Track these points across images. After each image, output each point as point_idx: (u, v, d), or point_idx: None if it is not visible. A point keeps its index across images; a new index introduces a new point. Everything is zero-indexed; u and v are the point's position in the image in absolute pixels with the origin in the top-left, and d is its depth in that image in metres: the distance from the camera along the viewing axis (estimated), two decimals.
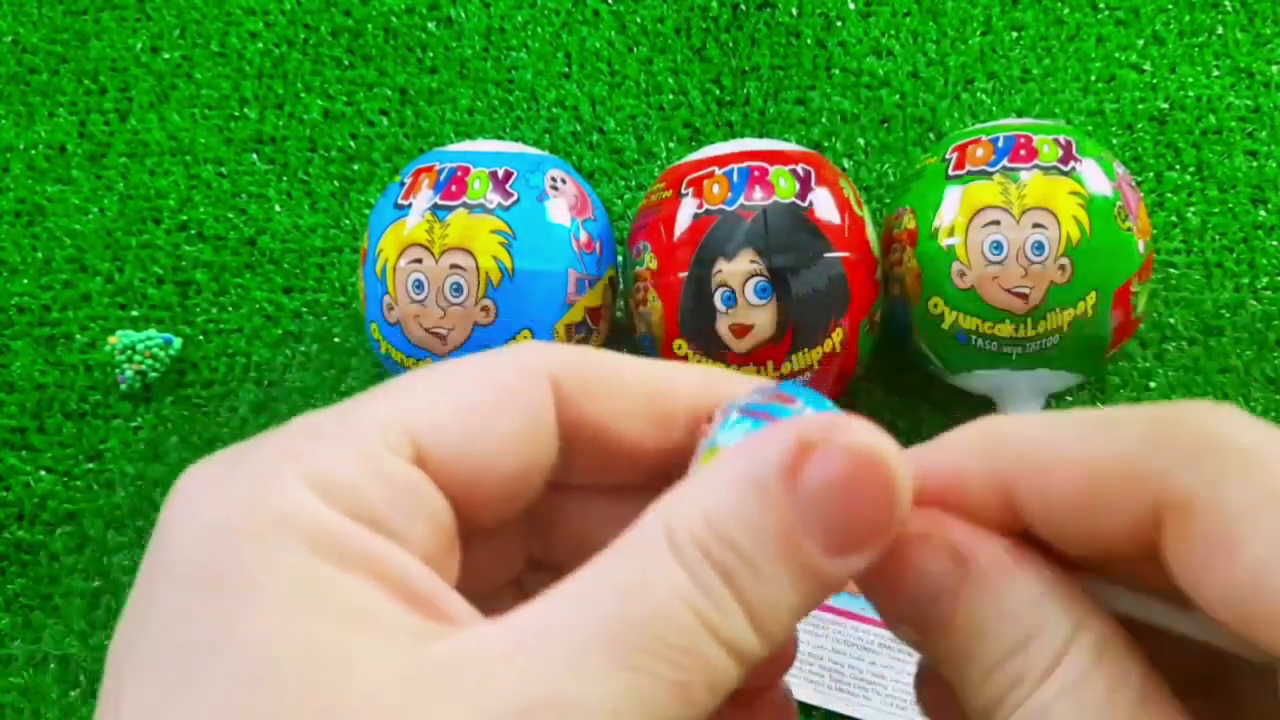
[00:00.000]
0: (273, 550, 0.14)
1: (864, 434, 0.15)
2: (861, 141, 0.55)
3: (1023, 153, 0.43)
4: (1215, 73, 0.55)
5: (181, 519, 0.15)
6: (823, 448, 0.15)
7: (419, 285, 0.42)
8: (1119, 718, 0.14)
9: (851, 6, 0.57)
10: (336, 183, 0.55)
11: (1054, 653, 0.15)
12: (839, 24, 0.57)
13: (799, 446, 0.15)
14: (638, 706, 0.13)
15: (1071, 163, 0.42)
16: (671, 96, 0.56)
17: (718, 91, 0.56)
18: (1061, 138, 0.43)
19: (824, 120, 0.55)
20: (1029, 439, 0.16)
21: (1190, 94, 0.55)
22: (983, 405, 0.47)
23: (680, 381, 0.18)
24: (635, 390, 0.18)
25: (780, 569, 0.15)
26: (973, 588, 0.15)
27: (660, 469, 0.18)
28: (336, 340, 0.52)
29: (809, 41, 0.56)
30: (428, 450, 0.16)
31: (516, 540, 0.20)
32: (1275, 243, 0.52)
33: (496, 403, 0.17)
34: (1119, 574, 0.16)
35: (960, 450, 0.16)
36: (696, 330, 0.42)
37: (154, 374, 0.51)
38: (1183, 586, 0.14)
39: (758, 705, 0.20)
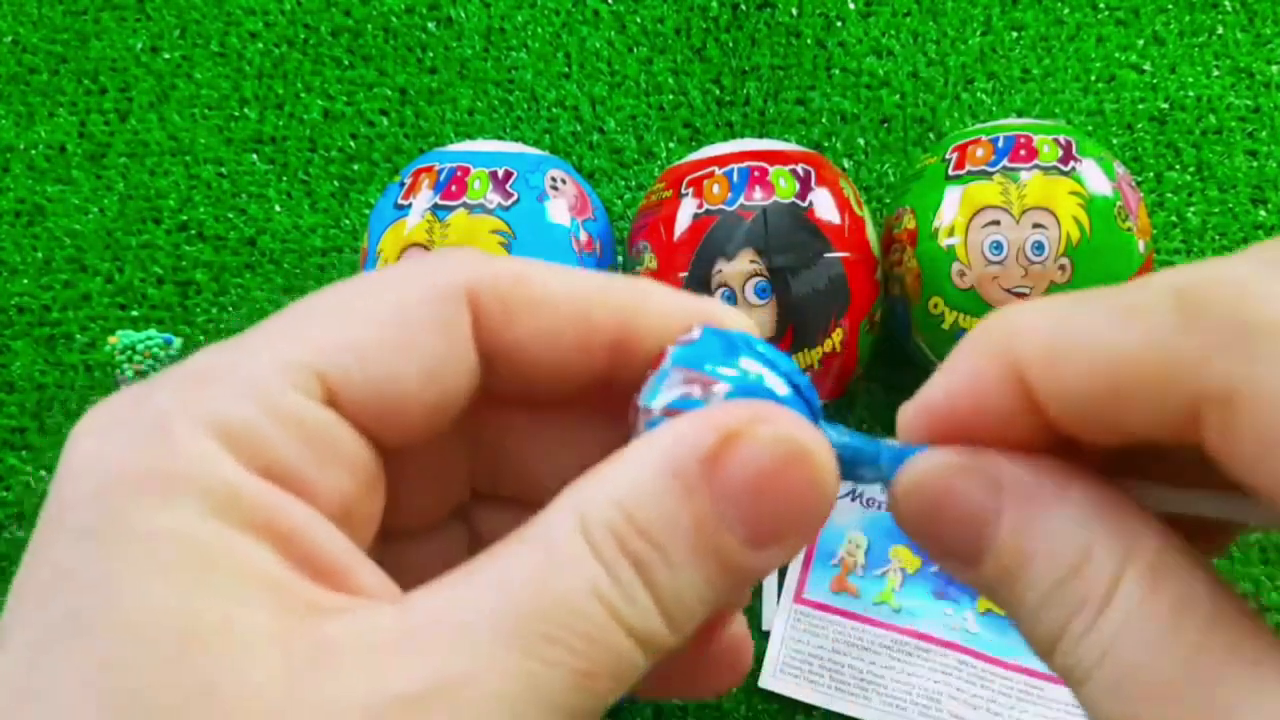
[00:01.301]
0: (164, 509, 0.13)
1: (789, 425, 0.15)
2: (861, 141, 0.55)
3: (1023, 153, 0.43)
4: (1215, 73, 0.55)
5: (76, 467, 0.14)
6: (746, 438, 0.14)
7: None
8: (1189, 645, 0.13)
9: (851, 6, 0.57)
10: (336, 183, 0.55)
11: (1109, 576, 0.14)
12: (839, 24, 0.57)
13: (721, 436, 0.14)
14: (533, 694, 0.13)
15: (1071, 163, 0.42)
16: (671, 96, 0.56)
17: (718, 91, 0.56)
18: (1061, 138, 0.43)
19: (824, 120, 0.55)
20: (1043, 330, 0.14)
21: (1190, 94, 0.55)
22: None
23: (605, 303, 0.17)
24: (558, 311, 0.16)
25: (695, 561, 0.14)
26: (1015, 514, 0.15)
27: (593, 387, 0.17)
28: None
29: (809, 41, 0.56)
30: (337, 386, 0.15)
31: (453, 465, 0.19)
32: None
33: (407, 327, 0.15)
34: (1162, 468, 0.15)
35: (973, 357, 0.15)
36: None
37: (154, 374, 0.51)
38: (1235, 477, 0.13)
39: (714, 639, 0.19)
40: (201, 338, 0.53)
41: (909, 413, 0.16)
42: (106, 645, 0.12)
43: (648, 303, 0.17)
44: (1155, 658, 0.13)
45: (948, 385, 0.16)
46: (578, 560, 0.14)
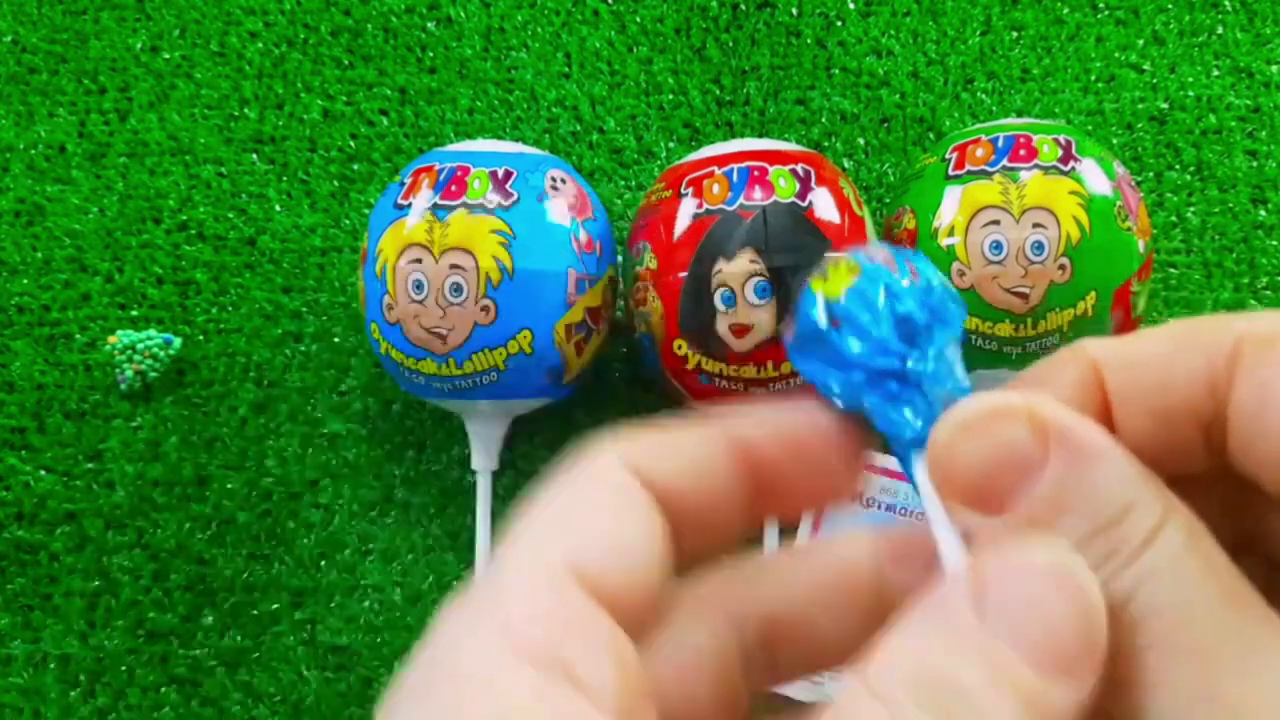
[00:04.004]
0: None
1: (1046, 550, 0.14)
2: (861, 141, 0.55)
3: (1023, 153, 0.43)
4: (1215, 73, 0.55)
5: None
6: (1000, 573, 0.14)
7: (419, 285, 0.42)
8: (1223, 590, 0.14)
9: (851, 6, 0.57)
10: (336, 183, 0.55)
11: (1151, 525, 0.14)
12: (839, 24, 0.57)
13: (978, 582, 0.14)
14: None
15: (1071, 163, 0.42)
16: (671, 96, 0.56)
17: (718, 91, 0.56)
18: (1061, 138, 0.43)
19: (824, 120, 0.55)
20: (1114, 342, 0.17)
21: (1190, 94, 0.55)
22: None
23: (720, 455, 0.17)
24: (690, 459, 0.17)
25: (999, 698, 0.14)
26: (1062, 463, 0.15)
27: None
28: (336, 340, 0.52)
29: (809, 41, 0.56)
30: (600, 588, 0.15)
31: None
32: (1275, 243, 0.52)
33: (621, 513, 0.16)
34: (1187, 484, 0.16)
35: (1055, 360, 0.17)
36: (696, 330, 0.42)
37: (154, 374, 0.51)
38: (1247, 428, 0.15)
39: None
40: (201, 338, 0.53)
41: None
42: None
43: (752, 428, 0.18)
44: (1192, 594, 0.14)
45: (1027, 376, 0.17)
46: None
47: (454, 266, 0.42)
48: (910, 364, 0.17)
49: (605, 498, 0.16)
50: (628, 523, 0.16)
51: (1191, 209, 0.53)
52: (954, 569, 0.15)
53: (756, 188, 0.43)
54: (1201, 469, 0.16)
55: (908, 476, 0.17)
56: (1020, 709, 0.14)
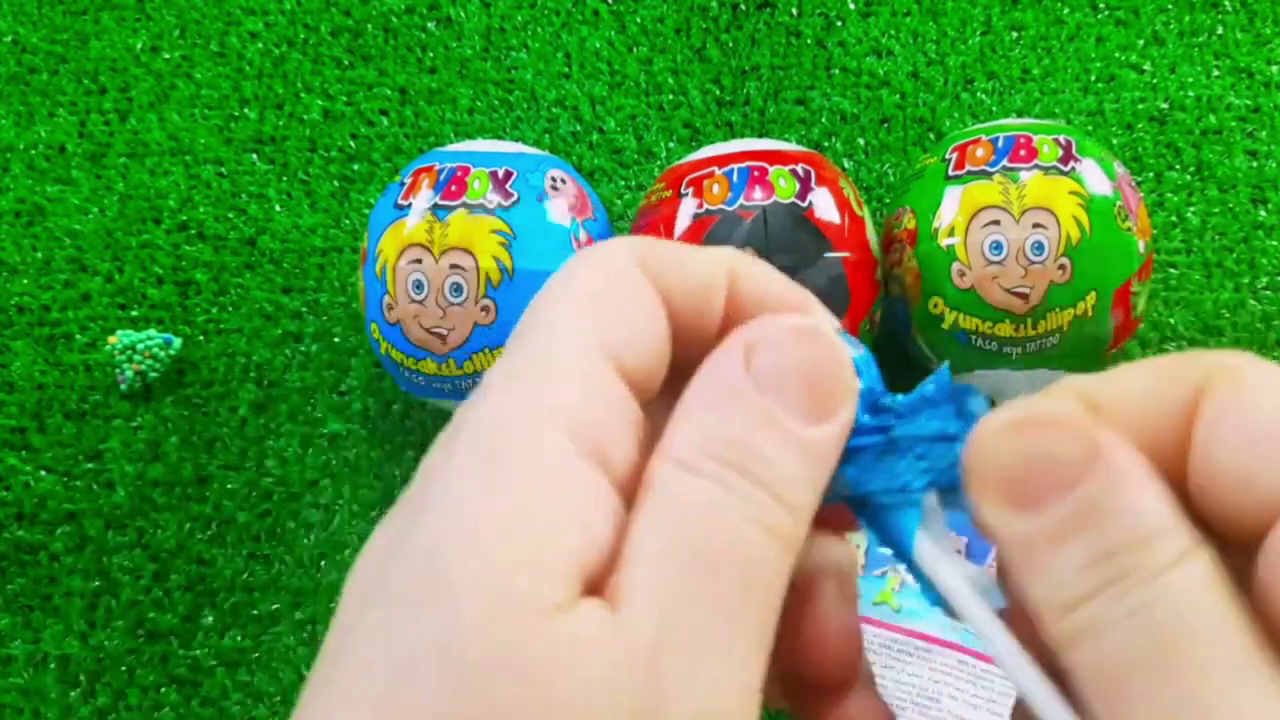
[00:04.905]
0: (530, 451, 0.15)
1: (792, 319, 0.17)
2: (861, 141, 0.55)
3: (1023, 153, 0.43)
4: (1215, 73, 0.55)
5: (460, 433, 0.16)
6: (763, 340, 0.17)
7: (419, 285, 0.42)
8: (1224, 627, 0.14)
9: (851, 6, 0.57)
10: (336, 183, 0.55)
11: (1174, 555, 0.15)
12: (839, 24, 0.57)
13: (744, 349, 0.17)
14: (716, 618, 0.15)
15: (1071, 163, 0.42)
16: (671, 96, 0.56)
17: (718, 91, 0.56)
18: (1061, 138, 0.43)
19: (824, 120, 0.55)
20: (1097, 379, 0.18)
21: (1190, 94, 0.55)
22: None
23: (721, 259, 0.19)
24: (694, 267, 0.18)
25: (778, 447, 0.16)
26: (1104, 480, 0.15)
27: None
28: (336, 340, 0.52)
29: (809, 41, 0.56)
30: (623, 363, 0.17)
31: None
32: (1275, 243, 0.52)
33: (632, 298, 0.18)
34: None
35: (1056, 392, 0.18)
36: None
37: (154, 374, 0.51)
38: (1202, 464, 0.16)
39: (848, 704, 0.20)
40: (201, 338, 0.53)
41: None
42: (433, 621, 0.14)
43: (750, 267, 0.19)
44: (1206, 619, 0.14)
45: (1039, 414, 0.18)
46: (691, 489, 0.16)
47: (454, 266, 0.42)
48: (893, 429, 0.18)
49: (629, 290, 0.18)
50: (648, 316, 0.18)
51: (1191, 209, 0.53)
52: (729, 350, 0.17)
53: (756, 188, 0.43)
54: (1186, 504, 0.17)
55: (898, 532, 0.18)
56: (801, 454, 0.16)
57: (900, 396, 0.18)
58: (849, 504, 0.18)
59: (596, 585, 0.15)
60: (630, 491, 0.16)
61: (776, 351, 0.17)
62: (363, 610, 0.15)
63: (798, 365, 0.17)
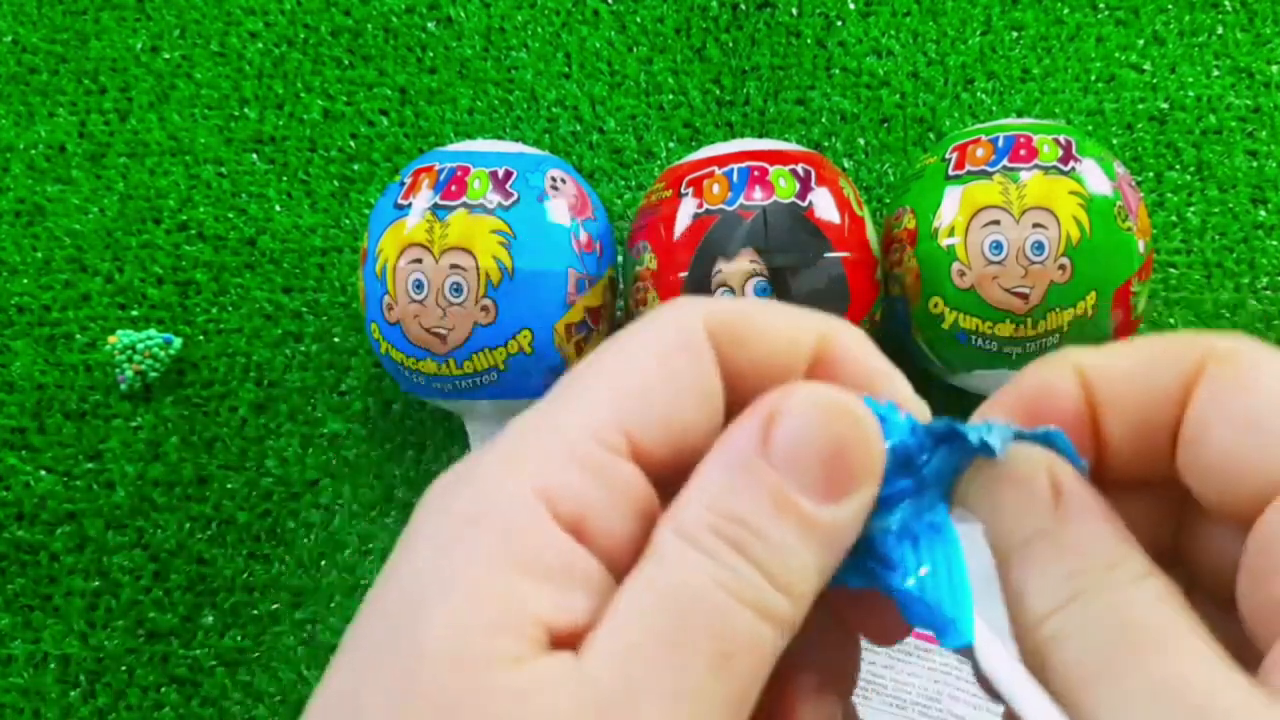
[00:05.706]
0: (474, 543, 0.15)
1: (818, 389, 0.17)
2: (861, 141, 0.55)
3: (1023, 153, 0.43)
4: (1215, 73, 0.55)
5: (420, 519, 0.17)
6: (783, 412, 0.16)
7: (419, 285, 0.42)
8: (1191, 621, 0.15)
9: (851, 6, 0.57)
10: (336, 183, 0.55)
11: (1137, 574, 0.16)
12: (839, 24, 0.57)
13: (763, 419, 0.16)
14: (680, 687, 0.15)
15: (1071, 163, 0.42)
16: (671, 96, 0.56)
17: (718, 91, 0.56)
18: (1061, 138, 0.43)
19: (824, 120, 0.55)
20: (1097, 353, 0.18)
21: (1190, 94, 0.55)
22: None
23: (807, 327, 0.19)
24: (777, 334, 0.18)
25: (784, 530, 0.16)
26: (1067, 517, 0.17)
27: None
28: (336, 340, 0.52)
29: (809, 41, 0.56)
30: (636, 433, 0.17)
31: None
32: (1275, 243, 0.52)
33: (679, 373, 0.17)
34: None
35: (1041, 368, 0.18)
36: None
37: (154, 374, 0.51)
38: (1192, 441, 0.17)
39: None
40: (201, 338, 0.53)
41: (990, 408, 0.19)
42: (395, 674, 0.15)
43: (841, 334, 0.19)
44: (1168, 618, 0.15)
45: (1029, 383, 0.19)
46: (685, 559, 0.15)
47: (454, 266, 0.42)
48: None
49: (674, 365, 0.17)
50: (689, 393, 0.17)
51: (1191, 209, 0.53)
52: (747, 419, 0.17)
53: (756, 188, 0.43)
54: (1168, 477, 0.18)
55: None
56: (806, 537, 0.16)
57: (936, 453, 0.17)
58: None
59: (570, 642, 0.15)
60: (622, 560, 0.16)
61: (796, 423, 0.16)
62: (334, 661, 0.16)
63: (817, 439, 0.16)
